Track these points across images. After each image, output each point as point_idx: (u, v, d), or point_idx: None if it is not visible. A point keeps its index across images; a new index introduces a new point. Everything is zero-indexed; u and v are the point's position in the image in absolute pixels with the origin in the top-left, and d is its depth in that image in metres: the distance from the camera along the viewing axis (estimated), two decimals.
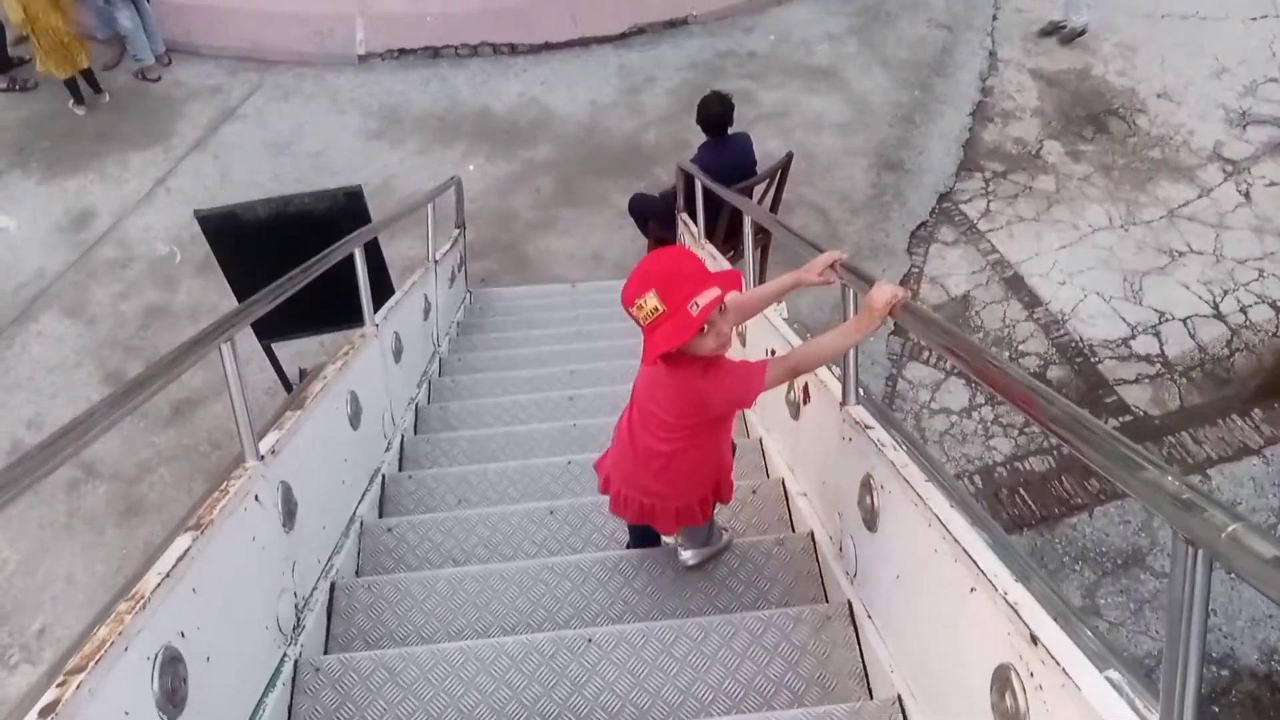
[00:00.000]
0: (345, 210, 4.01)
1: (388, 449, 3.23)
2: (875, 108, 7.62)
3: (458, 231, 5.48)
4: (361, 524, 2.75)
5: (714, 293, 1.67)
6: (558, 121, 7.72)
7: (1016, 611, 1.28)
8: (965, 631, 1.49)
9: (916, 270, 6.04)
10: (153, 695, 1.47)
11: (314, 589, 2.33)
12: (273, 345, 4.75)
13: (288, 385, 4.93)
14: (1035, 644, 1.24)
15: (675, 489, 2.08)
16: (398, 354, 3.52)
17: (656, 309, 1.67)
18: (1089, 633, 1.22)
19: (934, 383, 5.06)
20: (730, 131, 5.10)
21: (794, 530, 2.68)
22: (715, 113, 4.98)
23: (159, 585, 1.54)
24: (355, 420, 2.80)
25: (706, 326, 1.71)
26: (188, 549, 1.65)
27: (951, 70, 8.07)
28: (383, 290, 4.06)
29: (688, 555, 2.40)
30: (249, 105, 7.99)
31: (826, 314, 5.42)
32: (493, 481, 3.10)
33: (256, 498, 2.01)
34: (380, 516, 2.95)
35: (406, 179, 7.11)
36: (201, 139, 7.62)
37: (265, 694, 1.94)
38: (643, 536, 2.53)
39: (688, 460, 2.00)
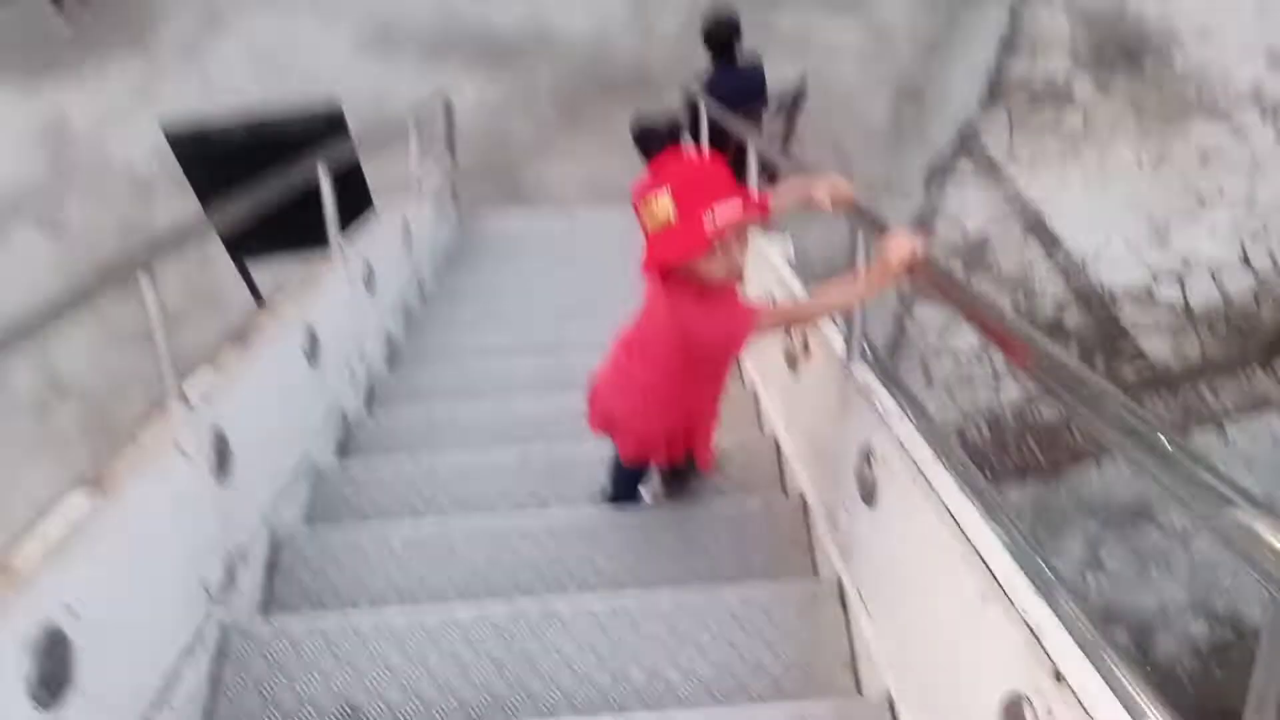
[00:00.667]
0: (325, 128, 3.81)
1: (353, 386, 2.99)
2: (897, 36, 7.18)
3: (447, 155, 5.15)
4: (315, 469, 2.53)
5: (735, 207, 1.47)
6: (561, 41, 7.30)
7: (1038, 638, 1.05)
8: (972, 644, 1.25)
9: (932, 207, 5.72)
10: (23, 684, 1.27)
11: (251, 543, 2.11)
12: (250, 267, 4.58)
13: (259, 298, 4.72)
14: (1059, 680, 1.00)
15: (643, 416, 1.94)
16: (368, 282, 3.28)
17: (668, 215, 1.47)
18: (1123, 668, 0.98)
19: (943, 323, 4.80)
20: (742, 55, 4.77)
21: (785, 493, 2.45)
22: (716, 33, 4.67)
23: (42, 557, 1.33)
24: (312, 356, 2.59)
25: (718, 246, 1.50)
26: (84, 514, 1.42)
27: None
28: (363, 212, 3.87)
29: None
30: (236, 14, 7.58)
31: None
32: (464, 425, 2.87)
33: (179, 446, 1.76)
34: (340, 458, 2.72)
35: (400, 98, 6.65)
36: (185, 48, 7.25)
37: (182, 664, 1.72)
38: (626, 476, 2.29)
39: (658, 396, 1.87)
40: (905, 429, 1.57)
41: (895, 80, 6.70)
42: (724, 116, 4.04)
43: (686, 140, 5.04)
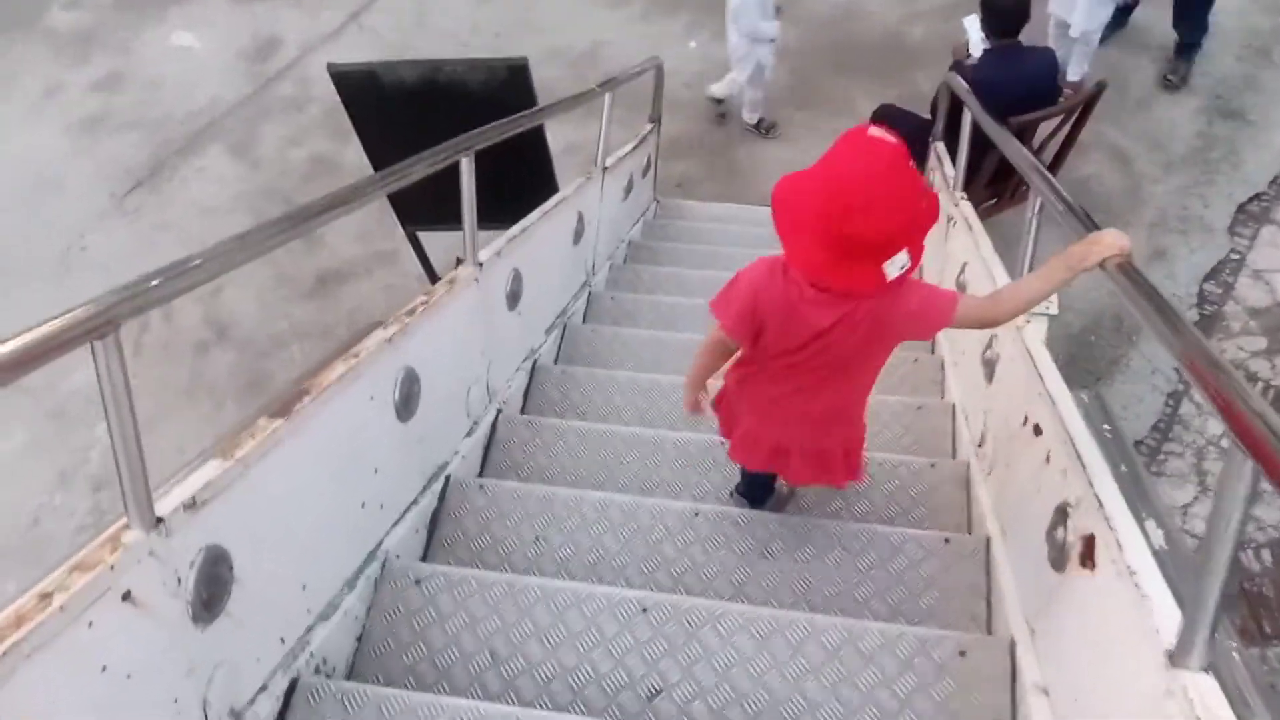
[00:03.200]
0: (505, 86, 4.03)
1: (470, 432, 2.92)
2: (1222, 30, 6.87)
3: (651, 127, 5.47)
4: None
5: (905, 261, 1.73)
6: (806, 3, 7.51)
7: None
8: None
9: (1237, 256, 5.50)
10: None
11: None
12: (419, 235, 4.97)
13: (435, 280, 5.06)
14: None
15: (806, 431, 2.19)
16: (513, 298, 3.17)
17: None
18: None
19: None
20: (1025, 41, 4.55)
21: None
22: (1006, 6, 4.38)
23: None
24: (406, 407, 2.40)
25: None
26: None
27: None
28: (541, 190, 4.12)
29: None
30: None
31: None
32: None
33: (124, 594, 1.49)
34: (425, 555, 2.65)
35: (618, 48, 7.24)
36: None
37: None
38: (760, 487, 2.63)
39: (820, 402, 2.11)
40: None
41: (1210, 89, 6.46)
42: (989, 118, 3.63)
43: (938, 148, 4.76)
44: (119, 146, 6.74)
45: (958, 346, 3.36)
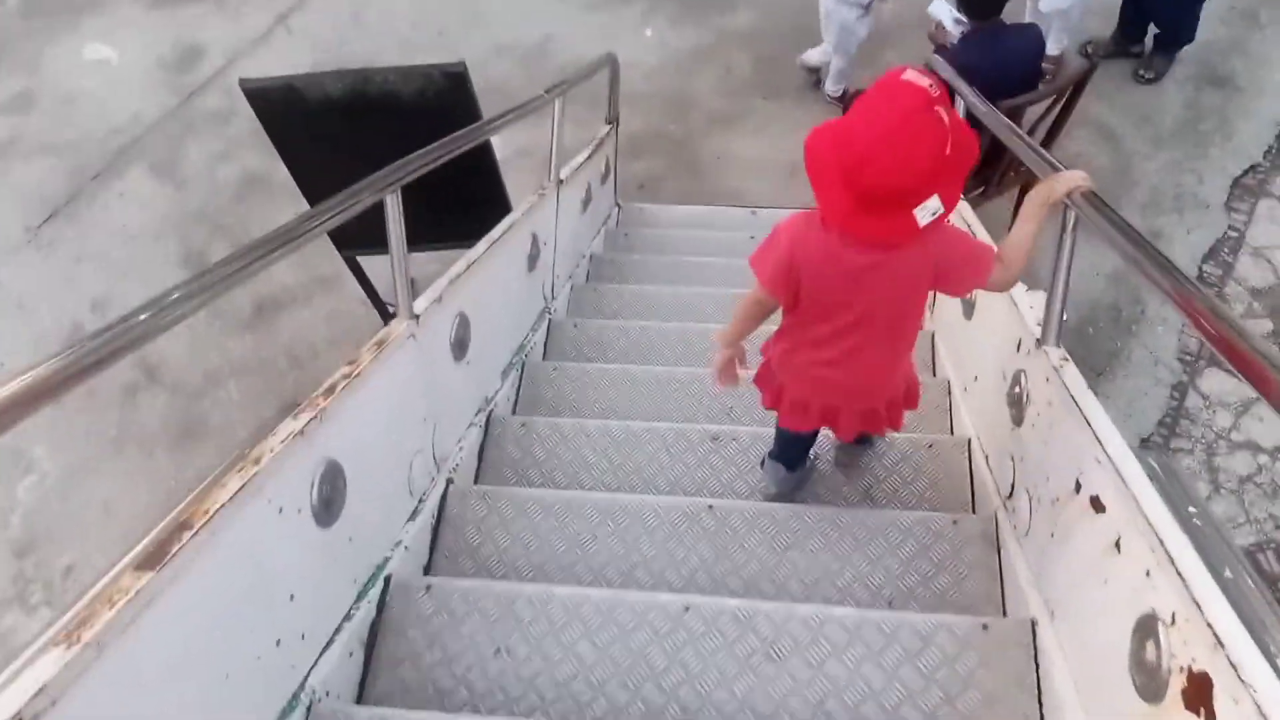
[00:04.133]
0: (443, 95, 3.65)
1: (414, 514, 2.49)
2: None
3: (608, 128, 5.05)
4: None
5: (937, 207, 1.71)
6: None
7: None
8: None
9: (1235, 234, 5.20)
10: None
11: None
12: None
13: (382, 310, 4.71)
14: None
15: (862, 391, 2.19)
16: (460, 347, 2.77)
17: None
18: None
19: (1240, 402, 4.32)
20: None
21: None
22: None
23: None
24: (328, 510, 1.97)
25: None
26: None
27: None
28: (491, 207, 3.77)
29: None
30: None
31: None
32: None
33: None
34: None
35: (569, 40, 6.92)
36: None
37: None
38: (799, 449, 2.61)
39: (865, 361, 2.07)
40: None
41: (1195, 56, 6.13)
42: (980, 101, 3.49)
43: None
44: (31, 173, 6.25)
45: (965, 369, 3.02)
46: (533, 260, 3.52)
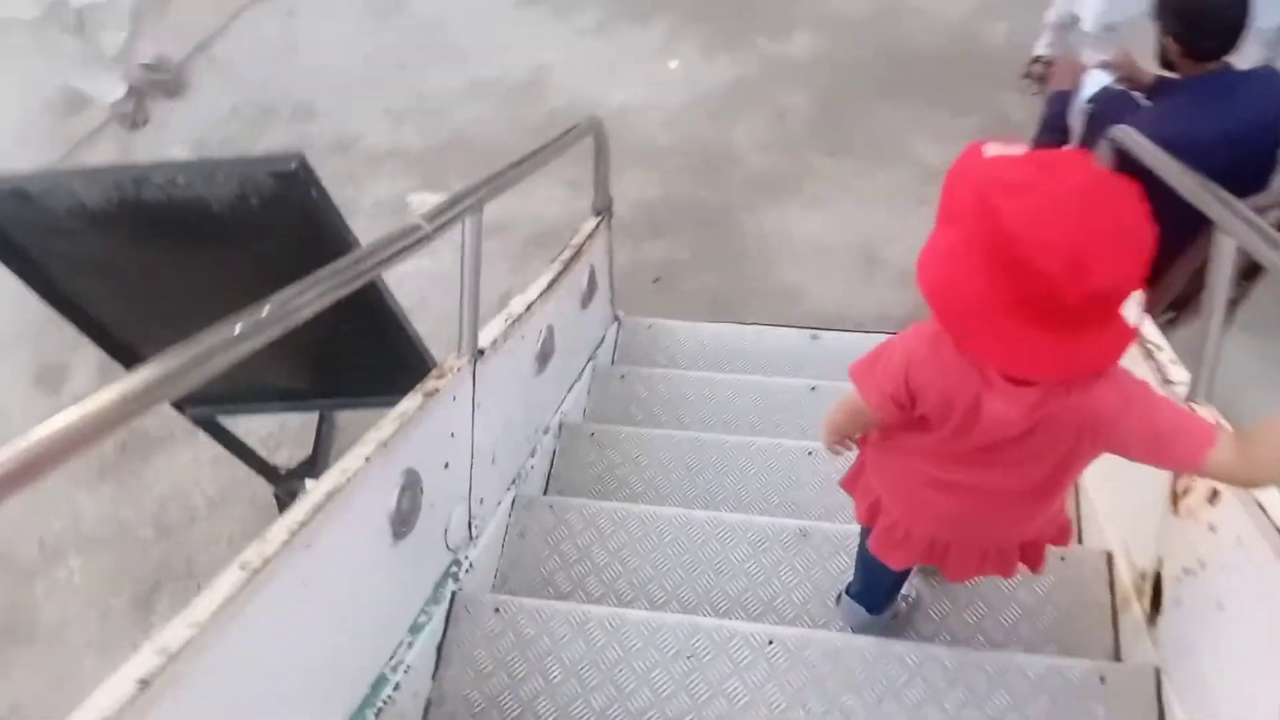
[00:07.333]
0: (272, 206, 2.60)
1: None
2: None
3: (594, 223, 3.47)
4: None
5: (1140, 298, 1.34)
6: (835, 7, 6.15)
7: None
8: None
9: None
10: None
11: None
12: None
13: (269, 472, 3.74)
14: None
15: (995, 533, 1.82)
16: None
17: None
18: None
19: None
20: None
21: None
22: (1216, 9, 2.82)
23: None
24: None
25: None
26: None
27: None
28: (395, 360, 2.93)
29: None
30: None
31: None
32: None
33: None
34: None
35: (566, 74, 5.95)
36: None
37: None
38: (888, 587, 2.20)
39: (1000, 497, 1.68)
40: None
41: None
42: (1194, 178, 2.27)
43: None
44: None
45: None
46: (406, 520, 2.06)
